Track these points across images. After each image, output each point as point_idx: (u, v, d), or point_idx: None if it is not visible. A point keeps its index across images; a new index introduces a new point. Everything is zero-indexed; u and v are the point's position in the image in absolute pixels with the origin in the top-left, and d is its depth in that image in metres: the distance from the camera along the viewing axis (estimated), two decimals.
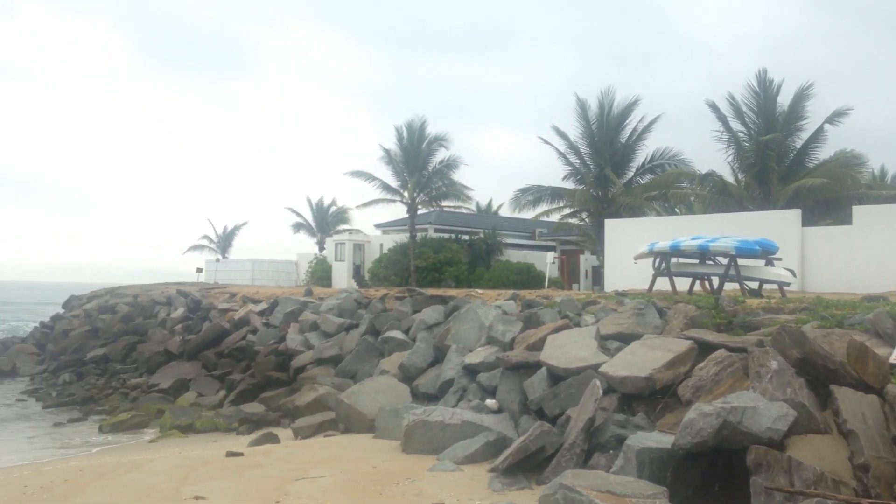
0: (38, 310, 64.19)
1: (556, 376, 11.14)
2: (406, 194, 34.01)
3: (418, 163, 33.56)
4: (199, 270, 44.09)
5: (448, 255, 33.12)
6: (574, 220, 33.69)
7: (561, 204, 32.69)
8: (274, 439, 13.06)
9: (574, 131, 31.74)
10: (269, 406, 17.05)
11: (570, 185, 32.14)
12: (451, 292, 21.49)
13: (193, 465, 10.84)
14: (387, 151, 34.21)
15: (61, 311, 36.88)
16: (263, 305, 24.34)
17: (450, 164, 34.14)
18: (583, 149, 31.74)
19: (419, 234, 35.04)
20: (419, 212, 35.22)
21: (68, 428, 17.89)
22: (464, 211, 40.49)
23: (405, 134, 33.88)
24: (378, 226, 42.29)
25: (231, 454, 11.22)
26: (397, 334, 17.36)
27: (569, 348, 11.67)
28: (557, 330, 12.85)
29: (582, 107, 31.43)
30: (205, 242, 52.84)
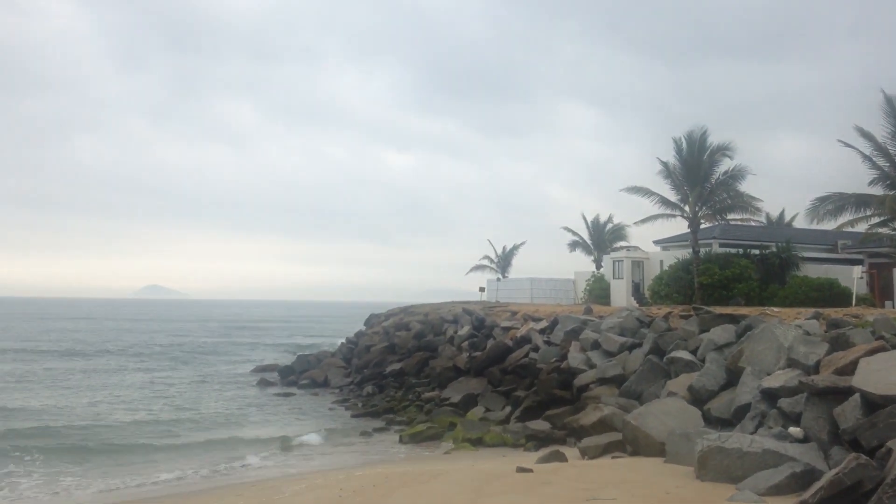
0: (344, 327, 71.37)
1: (873, 404, 9.92)
2: (687, 209, 32.61)
3: (699, 175, 32.04)
4: (482, 290, 46.03)
5: (736, 270, 31.11)
6: (885, 230, 29.91)
7: (868, 212, 29.21)
8: (561, 457, 13.13)
9: (882, 131, 28.27)
10: (553, 424, 17.21)
11: (878, 190, 28.65)
12: (742, 311, 20.15)
13: (486, 479, 11.25)
14: (665, 165, 33.12)
15: (363, 328, 40.62)
16: (544, 323, 24.71)
17: (735, 175, 32.13)
18: (892, 150, 28.16)
19: (702, 250, 33.37)
20: (701, 226, 33.56)
21: (373, 436, 19.55)
22: (752, 223, 37.83)
23: (684, 145, 32.56)
24: (657, 242, 41.10)
25: (521, 470, 11.47)
26: (684, 354, 16.64)
27: (887, 373, 10.34)
28: (872, 352, 11.45)
29: (890, 104, 27.91)
30: (486, 262, 55.08)
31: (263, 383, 30.39)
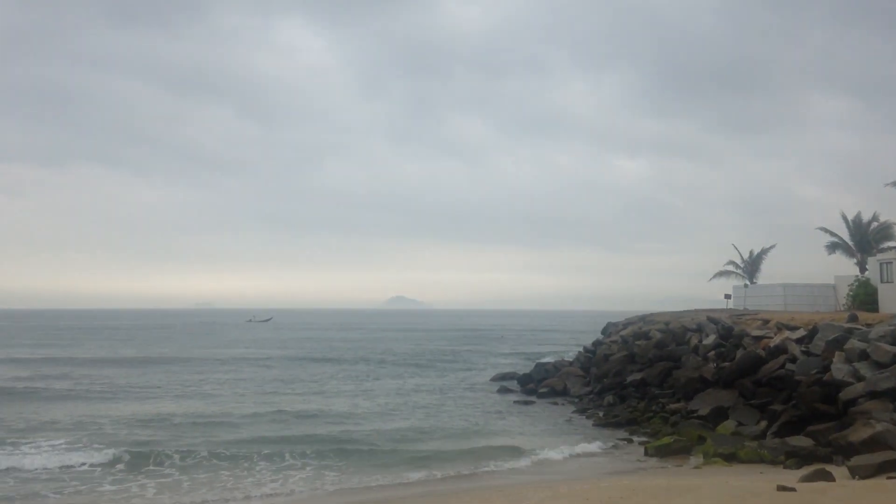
0: (578, 336, 70.95)
1: None
2: None
3: None
4: (728, 297, 43.50)
5: None
6: None
7: None
8: (828, 476, 12.04)
9: None
10: (817, 440, 15.81)
11: None
12: None
13: (742, 496, 10.60)
14: None
15: (601, 336, 40.10)
16: (801, 332, 22.77)
17: None
18: None
19: None
20: None
21: (616, 447, 19.18)
22: None
23: None
24: None
25: (782, 488, 10.67)
26: None
27: None
28: None
29: None
30: (731, 268, 52.05)
31: (503, 391, 31.04)
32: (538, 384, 31.40)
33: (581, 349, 39.17)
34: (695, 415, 20.96)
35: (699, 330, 28.58)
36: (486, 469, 17.04)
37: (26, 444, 18.71)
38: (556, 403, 27.63)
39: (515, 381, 33.57)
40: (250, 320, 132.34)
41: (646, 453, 17.87)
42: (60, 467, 16.39)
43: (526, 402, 27.72)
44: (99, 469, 16.43)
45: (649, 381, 26.10)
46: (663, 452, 17.60)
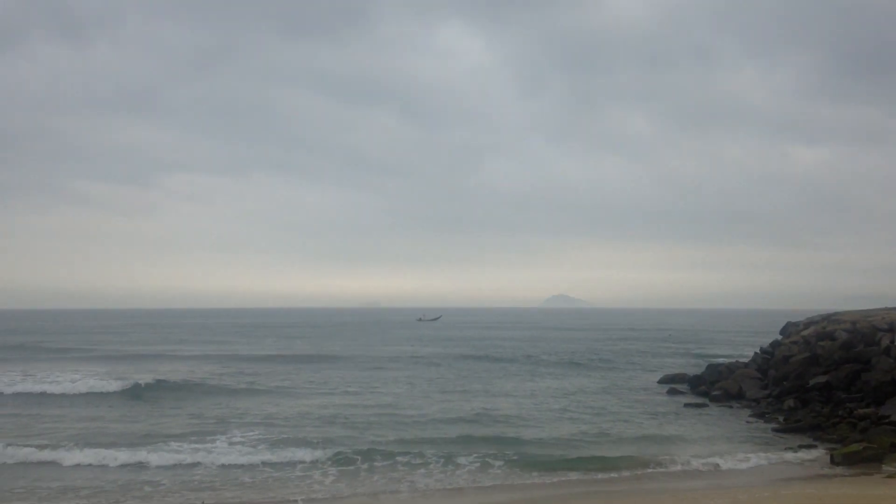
0: (751, 337, 67.39)
1: None
2: None
3: None
4: None
5: None
6: None
7: None
8: None
9: None
10: None
11: None
12: None
13: None
14: None
15: (779, 337, 37.91)
16: None
17: None
18: None
19: None
20: None
21: (799, 454, 18.18)
22: None
23: None
24: None
25: None
26: None
27: None
28: None
29: None
30: None
31: (673, 392, 30.13)
32: (711, 386, 30.23)
33: (757, 350, 37.24)
34: (887, 420, 19.46)
35: (891, 329, 26.44)
36: (657, 472, 16.71)
37: (221, 436, 20.46)
38: (730, 407, 26.50)
39: (686, 384, 32.47)
40: (420, 319, 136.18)
41: (832, 461, 16.84)
42: (263, 462, 17.43)
43: (698, 405, 26.77)
44: (298, 463, 17.53)
45: (835, 384, 24.46)
46: (852, 460, 16.51)
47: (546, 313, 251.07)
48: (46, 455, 17.90)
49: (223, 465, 17.20)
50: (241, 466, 17.12)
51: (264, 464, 17.29)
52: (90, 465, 17.30)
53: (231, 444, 19.39)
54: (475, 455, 18.07)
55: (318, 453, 18.09)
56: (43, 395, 28.73)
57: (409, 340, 69.65)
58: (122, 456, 17.74)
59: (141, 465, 17.19)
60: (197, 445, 19.09)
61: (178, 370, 38.00)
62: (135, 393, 28.92)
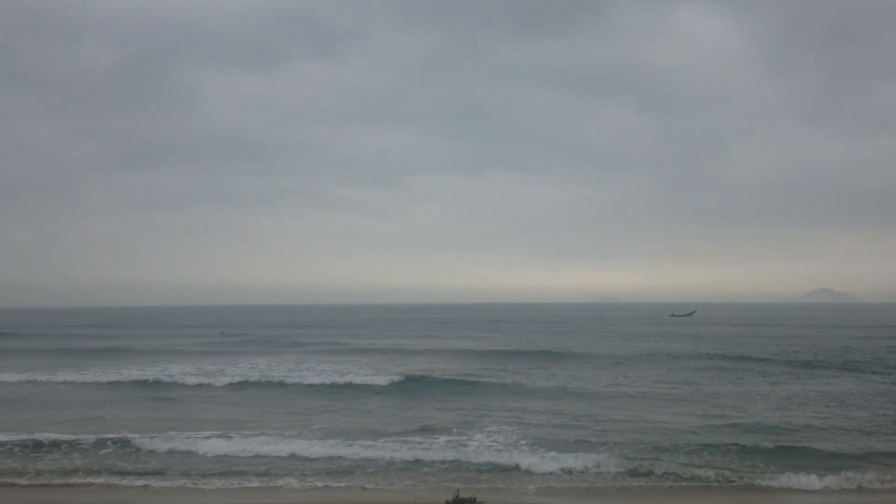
0: None
1: None
2: None
3: None
4: None
5: None
6: None
7: None
8: None
9: None
10: None
11: None
12: None
13: None
14: None
15: None
16: None
17: None
18: None
19: None
20: None
21: None
22: None
23: None
24: None
25: None
26: None
27: None
28: None
29: None
30: None
31: None
32: None
33: None
34: None
35: None
36: None
37: (478, 432, 21.09)
38: None
39: None
40: (673, 314, 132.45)
41: None
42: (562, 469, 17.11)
43: None
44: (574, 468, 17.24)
45: None
46: None
47: (809, 308, 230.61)
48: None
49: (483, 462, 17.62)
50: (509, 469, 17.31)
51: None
52: (367, 458, 18.52)
53: (492, 439, 19.86)
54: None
55: (600, 457, 17.58)
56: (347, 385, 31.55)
57: (653, 336, 67.25)
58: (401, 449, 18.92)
59: (418, 460, 18.08)
60: (458, 438, 20.07)
61: (431, 364, 39.96)
62: (401, 387, 30.78)
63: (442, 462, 17.77)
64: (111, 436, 20.52)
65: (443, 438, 20.19)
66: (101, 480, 16.51)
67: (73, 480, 16.49)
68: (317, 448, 19.09)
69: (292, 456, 18.57)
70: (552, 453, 18.07)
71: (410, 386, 31.15)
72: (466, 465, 17.44)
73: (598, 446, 18.93)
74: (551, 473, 16.73)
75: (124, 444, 19.71)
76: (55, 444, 19.69)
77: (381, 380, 32.26)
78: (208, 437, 20.26)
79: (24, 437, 20.39)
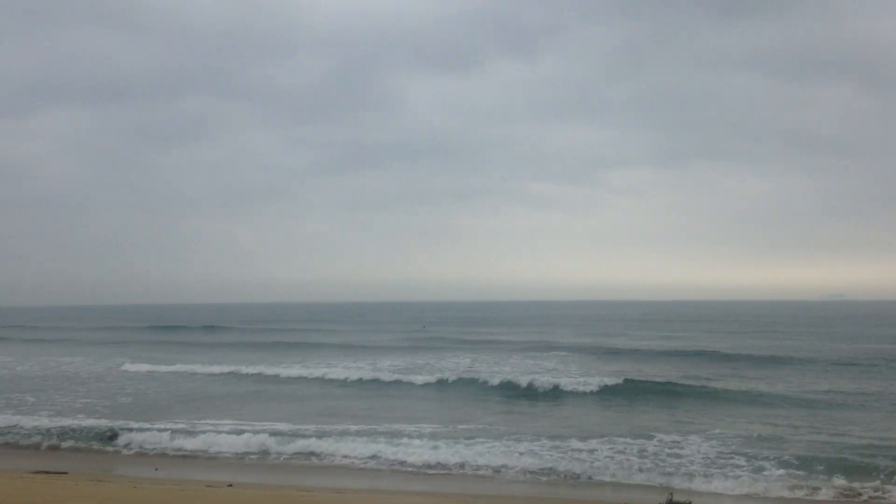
0: None
1: None
2: None
3: None
4: None
5: None
6: None
7: None
8: None
9: None
10: None
11: None
12: None
13: None
14: None
15: None
16: None
17: None
18: None
19: None
20: None
21: None
22: None
23: None
24: None
25: None
26: None
27: None
28: None
29: None
30: None
31: None
32: None
33: None
34: None
35: None
36: None
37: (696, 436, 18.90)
38: None
39: None
40: None
41: None
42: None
43: None
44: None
45: None
46: None
47: None
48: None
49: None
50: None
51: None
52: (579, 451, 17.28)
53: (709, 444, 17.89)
54: None
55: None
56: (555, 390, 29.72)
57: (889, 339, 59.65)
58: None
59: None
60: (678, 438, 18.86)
61: (640, 366, 37.62)
62: (614, 391, 28.83)
63: (655, 465, 16.80)
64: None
65: (656, 439, 19.40)
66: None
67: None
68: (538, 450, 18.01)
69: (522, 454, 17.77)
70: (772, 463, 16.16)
71: (625, 389, 28.94)
72: (681, 469, 16.38)
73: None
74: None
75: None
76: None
77: (590, 384, 29.87)
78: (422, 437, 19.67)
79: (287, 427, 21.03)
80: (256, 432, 20.26)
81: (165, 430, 20.79)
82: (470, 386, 31.11)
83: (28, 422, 22.39)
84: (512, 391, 29.60)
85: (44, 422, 22.43)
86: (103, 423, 22.43)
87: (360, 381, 33.42)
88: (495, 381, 31.29)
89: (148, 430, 20.94)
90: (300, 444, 19.06)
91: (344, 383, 33.37)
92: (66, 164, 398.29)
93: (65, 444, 20.05)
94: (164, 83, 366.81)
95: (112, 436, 20.49)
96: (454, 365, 39.40)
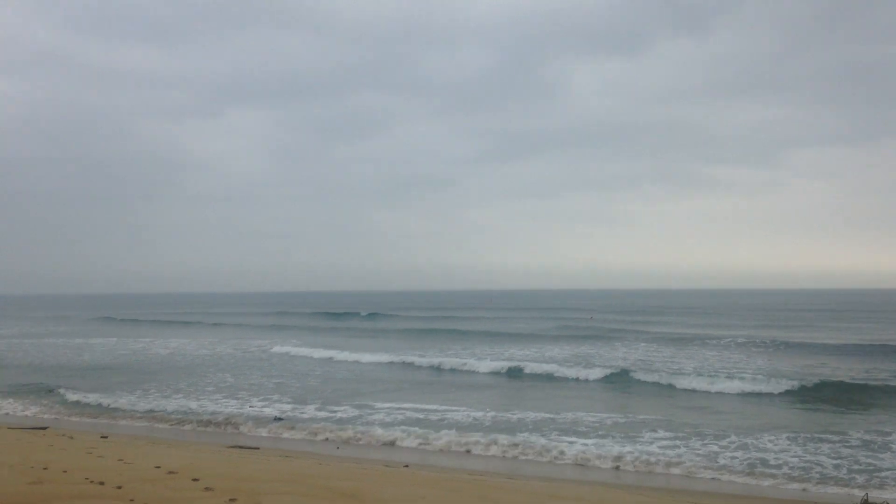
0: None
1: None
2: None
3: None
4: None
5: None
6: None
7: None
8: None
9: None
10: None
11: None
12: None
13: None
14: None
15: None
16: None
17: None
18: None
19: None
20: None
21: None
22: None
23: None
24: None
25: None
26: None
27: None
28: None
29: None
30: None
31: None
32: None
33: None
34: None
35: None
36: None
37: None
38: None
39: None
40: None
41: None
42: None
43: None
44: None
45: None
46: None
47: None
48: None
49: None
50: None
51: None
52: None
53: None
54: None
55: None
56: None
57: None
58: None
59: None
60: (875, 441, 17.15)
61: (835, 362, 34.91)
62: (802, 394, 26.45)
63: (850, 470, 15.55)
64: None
65: (854, 440, 18.05)
66: None
67: None
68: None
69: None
70: None
71: (816, 389, 26.62)
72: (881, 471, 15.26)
73: None
74: None
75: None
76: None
77: (772, 386, 27.37)
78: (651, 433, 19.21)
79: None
80: (446, 422, 21.00)
81: (335, 414, 22.00)
82: (642, 384, 29.71)
83: (232, 406, 24.25)
84: (683, 388, 28.17)
85: (248, 406, 24.17)
86: (283, 405, 24.00)
87: (532, 374, 32.81)
88: (668, 379, 29.77)
89: (325, 413, 22.11)
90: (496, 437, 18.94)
91: (516, 373, 33.18)
92: (251, 160, 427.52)
93: (245, 425, 21.39)
94: (340, 80, 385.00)
95: (277, 418, 21.73)
96: (623, 356, 38.36)
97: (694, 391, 27.20)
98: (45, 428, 19.55)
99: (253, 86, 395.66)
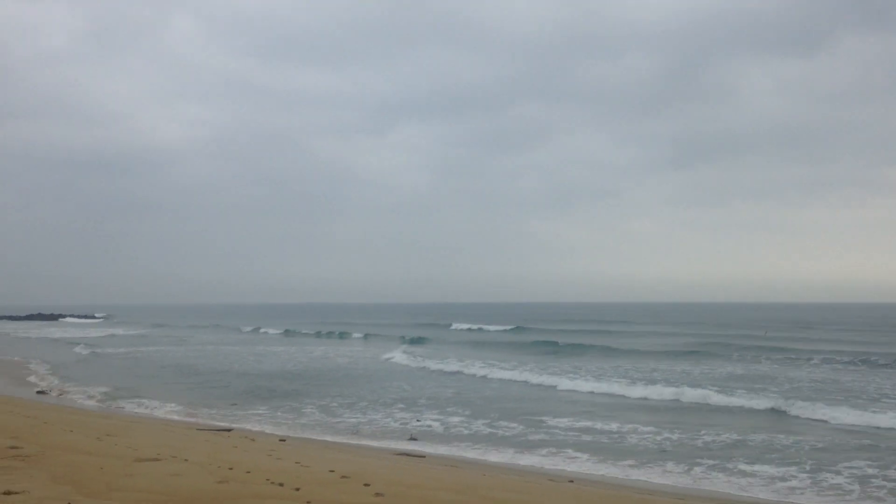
0: None
1: None
2: None
3: None
4: None
5: None
6: None
7: None
8: None
9: None
10: None
11: None
12: None
13: None
14: None
15: None
16: None
17: None
18: None
19: None
20: None
21: None
22: None
23: None
24: None
25: None
26: None
27: None
28: None
29: None
30: None
31: None
32: None
33: None
34: None
35: None
36: None
37: None
38: None
39: None
40: None
41: None
42: None
43: None
44: None
45: None
46: None
47: None
48: None
49: None
50: None
51: None
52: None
53: None
54: None
55: None
56: None
57: None
58: None
59: None
60: None
61: None
62: None
63: None
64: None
65: None
66: None
67: None
68: None
69: None
70: None
71: None
72: None
73: None
74: None
75: None
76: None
77: None
78: None
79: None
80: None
81: (498, 431, 22.00)
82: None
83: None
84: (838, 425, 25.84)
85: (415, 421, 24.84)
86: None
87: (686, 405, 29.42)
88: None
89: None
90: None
91: (671, 402, 30.83)
92: (416, 174, 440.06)
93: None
94: (500, 92, 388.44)
95: (411, 438, 21.32)
96: (801, 378, 35.80)
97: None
98: (230, 430, 21.08)
99: (417, 103, 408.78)
